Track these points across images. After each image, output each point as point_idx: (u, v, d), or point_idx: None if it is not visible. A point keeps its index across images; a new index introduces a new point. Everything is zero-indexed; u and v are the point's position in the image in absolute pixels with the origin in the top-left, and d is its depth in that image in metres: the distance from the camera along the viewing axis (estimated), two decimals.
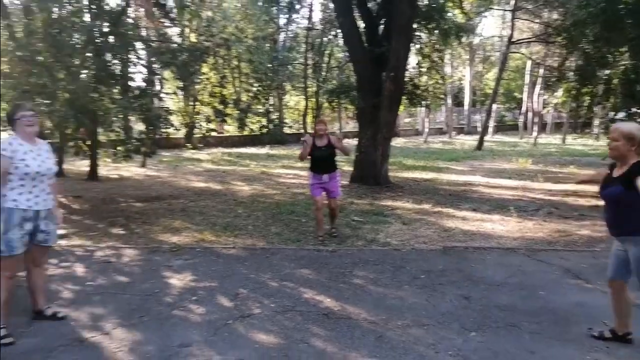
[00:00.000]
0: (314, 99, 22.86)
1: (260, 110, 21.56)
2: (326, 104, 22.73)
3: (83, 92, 7.94)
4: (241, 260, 5.44)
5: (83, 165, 13.25)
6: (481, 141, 22.07)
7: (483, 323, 3.77)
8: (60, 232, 6.73)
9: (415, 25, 11.59)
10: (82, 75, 8.44)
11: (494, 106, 27.14)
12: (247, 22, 23.34)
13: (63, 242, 6.27)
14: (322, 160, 6.34)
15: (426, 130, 29.12)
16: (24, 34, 8.55)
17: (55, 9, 8.20)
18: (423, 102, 14.31)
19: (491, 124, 28.57)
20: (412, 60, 14.02)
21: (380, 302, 4.17)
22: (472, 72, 35.51)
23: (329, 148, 6.31)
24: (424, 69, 14.29)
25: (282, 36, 25.22)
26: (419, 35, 13.14)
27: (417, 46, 13.52)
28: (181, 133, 13.42)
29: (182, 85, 11.05)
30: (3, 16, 9.07)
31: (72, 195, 9.85)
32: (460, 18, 14.70)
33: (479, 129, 25.44)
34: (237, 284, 4.65)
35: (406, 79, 12.00)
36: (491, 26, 38.50)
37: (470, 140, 26.38)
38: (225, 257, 5.61)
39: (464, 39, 17.74)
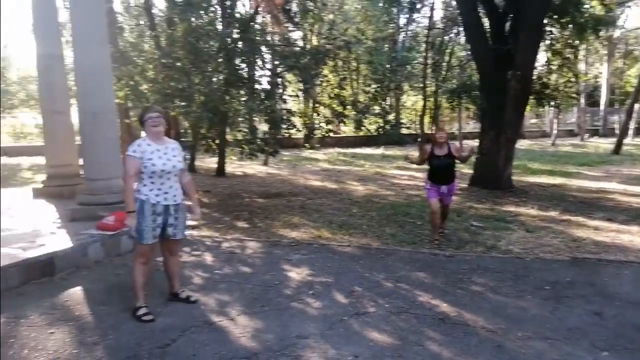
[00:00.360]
0: (432, 99, 22.37)
1: (378, 111, 21.57)
2: (445, 104, 22.15)
3: (215, 95, 8.59)
4: (356, 259, 5.51)
5: (212, 162, 14.31)
6: (619, 144, 20.02)
7: (617, 343, 3.44)
8: (193, 223, 7.39)
9: (545, 20, 10.86)
10: (214, 79, 9.14)
11: (636, 106, 24.44)
12: (367, 23, 23.49)
13: (195, 233, 6.84)
14: (441, 170, 6.12)
15: (554, 131, 27.17)
16: (167, 43, 9.47)
17: (194, 19, 8.94)
18: (552, 102, 13.37)
19: (632, 125, 25.81)
20: (541, 57, 13.17)
21: (500, 311, 3.99)
22: (610, 68, 32.34)
23: (448, 157, 6.06)
24: (554, 67, 13.35)
25: (401, 36, 25.03)
26: (550, 31, 12.30)
27: (548, 42, 12.66)
28: (300, 133, 13.93)
29: (303, 88, 11.45)
30: (151, 27, 10.13)
31: (202, 190, 10.70)
32: (598, 10, 13.47)
33: (617, 131, 23.11)
34: (352, 281, 4.72)
35: (534, 78, 11.30)
36: (636, 17, 34.65)
37: (606, 144, 24.08)
38: (341, 254, 5.73)
39: (602, 33, 16.25)
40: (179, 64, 8.79)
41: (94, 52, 6.32)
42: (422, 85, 21.43)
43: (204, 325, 3.74)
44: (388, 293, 4.41)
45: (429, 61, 20.88)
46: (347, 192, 10.56)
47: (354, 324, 3.74)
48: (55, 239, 5.54)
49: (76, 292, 4.50)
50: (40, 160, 13.14)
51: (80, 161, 7.71)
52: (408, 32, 24.89)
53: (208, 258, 5.63)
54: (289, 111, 10.83)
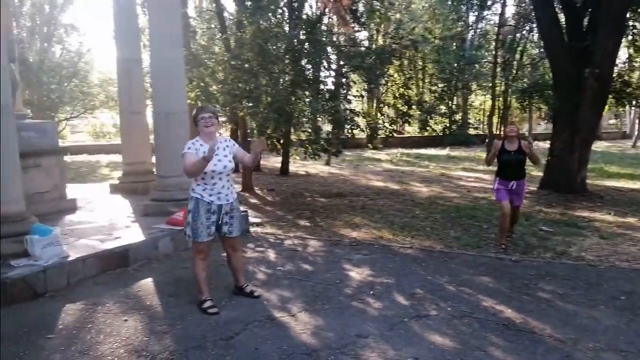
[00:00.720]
0: (501, 99, 21.62)
1: (444, 111, 21.16)
2: (515, 104, 21.33)
3: (281, 96, 8.76)
4: (418, 261, 5.45)
5: (276, 161, 14.60)
6: None
7: None
8: (256, 220, 7.59)
9: (628, 14, 10.21)
10: (281, 80, 9.31)
11: None
12: (435, 21, 23.07)
13: (259, 230, 7.04)
14: (510, 166, 5.91)
15: (636, 133, 25.44)
16: (236, 45, 9.76)
17: (262, 22, 9.15)
18: (634, 102, 12.55)
19: None
20: (623, 53, 12.41)
21: (569, 320, 3.81)
22: None
23: (519, 153, 5.85)
24: (637, 64, 12.52)
25: (470, 34, 24.38)
26: (633, 25, 11.54)
27: (630, 37, 11.90)
28: (363, 133, 13.93)
29: (368, 88, 11.43)
30: (221, 30, 10.48)
31: (267, 188, 10.95)
32: None
33: None
34: (413, 283, 4.68)
35: (614, 76, 10.66)
36: None
37: None
38: (402, 256, 5.68)
39: None
40: (247, 65, 9.04)
41: (168, 56, 6.61)
42: (491, 84, 20.78)
43: (266, 320, 3.83)
44: (450, 296, 4.34)
45: (499, 60, 20.23)
46: (410, 194, 10.45)
47: (414, 326, 3.71)
48: (129, 232, 5.87)
49: (147, 283, 4.75)
50: (117, 157, 13.95)
51: (154, 159, 8.11)
52: (477, 30, 24.22)
53: (271, 255, 5.77)
54: (353, 111, 10.85)
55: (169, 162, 6.66)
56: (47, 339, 3.51)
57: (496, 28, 21.38)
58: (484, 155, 17.89)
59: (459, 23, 22.58)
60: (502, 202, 5.95)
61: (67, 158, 13.90)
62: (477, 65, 22.46)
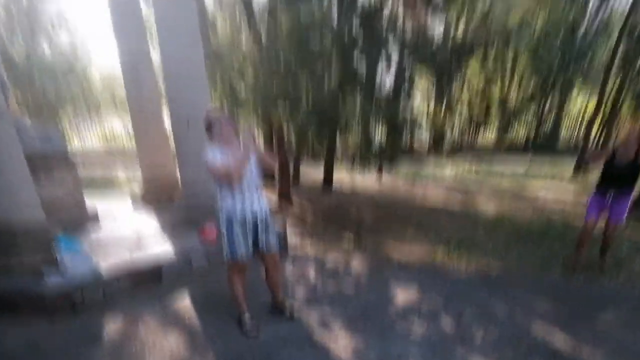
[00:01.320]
0: (609, 103, 20.90)
1: (530, 116, 20.60)
2: (627, 109, 20.62)
3: (326, 98, 9.23)
4: (471, 283, 6.08)
5: (318, 172, 15.21)
6: None
7: None
8: (296, 235, 8.36)
9: None
10: (326, 80, 9.75)
11: None
12: (540, 5, 22.08)
13: (298, 245, 7.85)
14: (616, 173, 6.08)
15: None
16: (269, 39, 10.19)
17: (302, 9, 9.44)
18: None
19: None
20: None
21: (623, 352, 4.35)
22: None
23: (634, 164, 5.99)
24: None
25: (585, 22, 23.76)
26: None
27: None
28: (425, 141, 13.99)
29: (436, 89, 11.21)
30: (250, 22, 10.91)
31: (308, 200, 11.87)
32: None
33: None
34: (462, 305, 5.33)
35: None
36: None
37: None
38: (454, 276, 6.34)
39: None
40: (283, 63, 9.40)
41: (184, 54, 7.00)
42: (599, 85, 19.72)
43: (306, 339, 4.58)
44: (501, 320, 4.97)
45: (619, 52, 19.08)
46: (474, 209, 10.92)
47: (458, 350, 4.39)
48: (161, 243, 6.73)
49: (183, 297, 5.59)
50: (134, 161, 14.91)
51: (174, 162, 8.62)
52: (596, 18, 23.38)
53: (313, 272, 6.52)
54: (413, 116, 11.00)
55: (193, 170, 7.36)
56: (91, 352, 4.39)
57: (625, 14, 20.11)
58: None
59: (573, 9, 21.99)
60: (587, 219, 6.38)
61: (80, 164, 15.07)
62: (587, 59, 22.02)
